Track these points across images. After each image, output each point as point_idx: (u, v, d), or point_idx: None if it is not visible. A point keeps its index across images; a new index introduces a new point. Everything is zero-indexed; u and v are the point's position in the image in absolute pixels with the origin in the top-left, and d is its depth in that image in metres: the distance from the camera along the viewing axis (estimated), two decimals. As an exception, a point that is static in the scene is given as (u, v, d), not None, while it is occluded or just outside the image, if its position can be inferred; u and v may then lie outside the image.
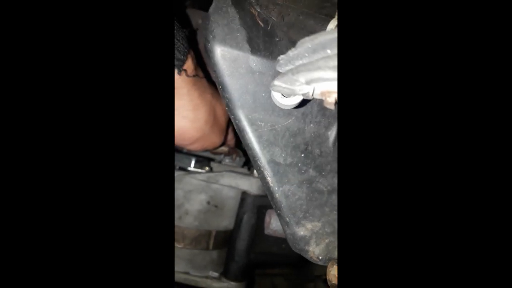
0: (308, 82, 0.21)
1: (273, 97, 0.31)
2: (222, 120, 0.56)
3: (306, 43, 0.21)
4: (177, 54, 0.43)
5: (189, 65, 0.46)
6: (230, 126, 0.63)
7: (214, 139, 0.56)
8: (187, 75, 0.45)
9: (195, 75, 0.47)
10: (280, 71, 0.25)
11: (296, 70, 0.22)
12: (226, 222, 0.77)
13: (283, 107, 0.31)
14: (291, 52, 0.23)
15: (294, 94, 0.27)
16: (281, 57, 0.24)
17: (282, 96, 0.29)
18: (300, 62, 0.23)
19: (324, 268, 0.42)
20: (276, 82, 0.24)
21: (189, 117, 0.49)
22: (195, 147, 0.55)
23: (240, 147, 0.88)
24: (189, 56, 0.45)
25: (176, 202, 0.71)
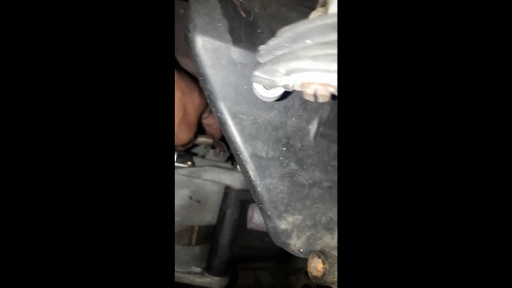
0: (288, 73, 0.21)
1: (254, 89, 0.30)
2: (193, 117, 0.55)
3: (286, 33, 0.21)
4: None
5: None
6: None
7: (181, 137, 0.55)
8: None
9: None
10: (261, 61, 0.25)
11: (276, 60, 0.21)
12: (209, 217, 0.76)
13: (265, 100, 0.31)
14: (272, 42, 0.22)
15: (275, 86, 0.27)
16: (262, 47, 0.24)
17: (264, 88, 0.29)
18: (280, 52, 0.22)
19: (305, 261, 0.43)
20: (256, 73, 0.24)
21: None
22: None
23: (223, 140, 0.87)
24: None
25: (157, 197, 0.69)
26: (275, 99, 0.31)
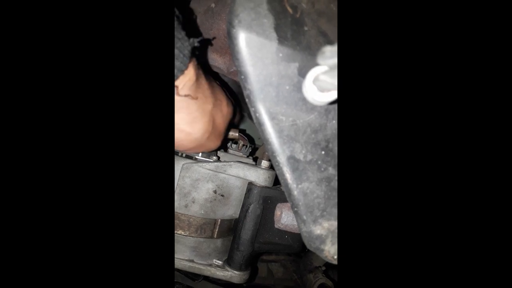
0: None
1: (306, 92, 0.28)
2: (221, 126, 0.54)
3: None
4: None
5: (185, 80, 0.39)
6: (238, 109, 0.62)
7: (210, 146, 0.56)
8: (178, 94, 0.39)
9: (188, 95, 0.41)
10: (321, 64, 0.23)
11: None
12: (231, 211, 0.76)
13: (316, 103, 0.29)
14: (341, 47, 0.20)
15: (334, 90, 0.25)
16: (328, 48, 0.22)
17: (318, 91, 0.27)
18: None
19: (323, 260, 0.42)
20: (322, 77, 0.22)
21: (185, 130, 0.46)
22: (187, 152, 0.56)
23: (245, 134, 0.86)
24: (186, 70, 0.38)
25: (183, 191, 0.69)
26: (327, 103, 0.29)
